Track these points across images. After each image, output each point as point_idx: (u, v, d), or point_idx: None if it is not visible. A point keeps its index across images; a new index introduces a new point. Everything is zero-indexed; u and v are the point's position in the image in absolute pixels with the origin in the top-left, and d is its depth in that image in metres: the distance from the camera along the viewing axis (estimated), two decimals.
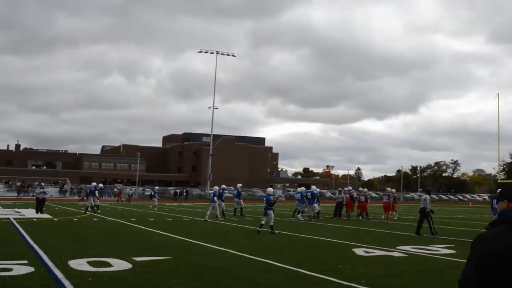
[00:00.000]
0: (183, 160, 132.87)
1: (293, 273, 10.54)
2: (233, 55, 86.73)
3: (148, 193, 78.75)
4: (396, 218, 30.04)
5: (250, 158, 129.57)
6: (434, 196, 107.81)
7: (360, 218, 30.92)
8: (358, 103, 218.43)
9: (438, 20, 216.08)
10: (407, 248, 15.33)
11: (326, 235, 19.27)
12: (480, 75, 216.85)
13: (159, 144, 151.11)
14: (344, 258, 12.94)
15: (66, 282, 8.94)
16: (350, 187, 37.45)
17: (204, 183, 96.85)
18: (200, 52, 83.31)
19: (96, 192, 33.98)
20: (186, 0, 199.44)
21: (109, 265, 11.06)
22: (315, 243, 16.73)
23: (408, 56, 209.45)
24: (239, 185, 33.49)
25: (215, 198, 27.36)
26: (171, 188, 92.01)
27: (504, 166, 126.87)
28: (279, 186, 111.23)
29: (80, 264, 11.09)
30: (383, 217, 29.10)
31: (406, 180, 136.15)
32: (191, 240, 16.65)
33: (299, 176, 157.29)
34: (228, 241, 16.51)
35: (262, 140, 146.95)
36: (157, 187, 50.91)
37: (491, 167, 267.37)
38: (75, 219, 26.69)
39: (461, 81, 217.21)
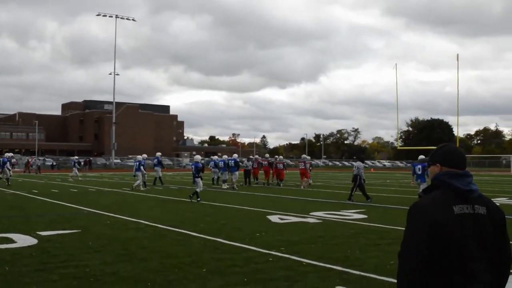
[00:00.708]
0: (85, 128, 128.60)
1: (210, 242, 10.29)
2: (133, 20, 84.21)
3: (50, 163, 75.83)
4: (307, 184, 30.53)
5: (155, 126, 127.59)
6: (337, 163, 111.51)
7: (279, 185, 31.51)
8: (260, 72, 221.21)
9: None
10: (321, 214, 15.52)
11: (239, 203, 19.18)
12: (376, 47, 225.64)
13: (58, 112, 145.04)
14: (260, 226, 12.84)
15: None
16: (267, 155, 37.89)
17: (108, 152, 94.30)
18: (98, 15, 79.94)
19: (8, 163, 31.74)
20: None
21: (11, 241, 10.31)
22: (230, 212, 16.55)
23: (308, 26, 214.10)
24: (159, 153, 33.32)
25: (142, 168, 27.04)
26: (74, 158, 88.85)
27: (401, 134, 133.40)
28: (186, 154, 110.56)
29: None
30: (304, 183, 29.91)
31: (310, 148, 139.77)
32: (100, 212, 15.97)
33: (206, 144, 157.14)
34: (140, 212, 15.99)
35: (166, 108, 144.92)
36: (76, 157, 48.58)
37: (389, 135, 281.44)
38: None
39: (358, 52, 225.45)
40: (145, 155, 29.10)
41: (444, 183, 2.63)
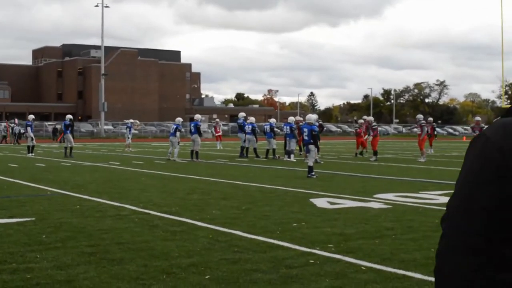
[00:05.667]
0: (65, 83, 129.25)
1: (222, 236, 9.68)
2: None
3: (17, 131, 76.38)
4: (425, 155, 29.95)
5: (160, 79, 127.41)
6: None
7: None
8: (301, 4, 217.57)
9: None
10: (390, 196, 14.81)
11: (273, 181, 18.65)
12: None
13: (28, 61, 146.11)
14: (300, 212, 12.27)
15: None
16: (365, 117, 37.36)
17: (96, 116, 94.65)
18: None
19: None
20: None
21: None
22: (258, 193, 15.92)
23: None
24: (273, 120, 35.33)
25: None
26: (49, 123, 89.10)
27: (507, 88, 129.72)
28: (203, 118, 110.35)
29: None
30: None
31: (377, 108, 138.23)
32: (70, 193, 15.67)
33: (231, 105, 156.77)
34: (128, 193, 15.66)
35: (176, 54, 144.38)
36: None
37: (488, 91, 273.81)
38: None
39: None
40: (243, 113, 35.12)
41: None
